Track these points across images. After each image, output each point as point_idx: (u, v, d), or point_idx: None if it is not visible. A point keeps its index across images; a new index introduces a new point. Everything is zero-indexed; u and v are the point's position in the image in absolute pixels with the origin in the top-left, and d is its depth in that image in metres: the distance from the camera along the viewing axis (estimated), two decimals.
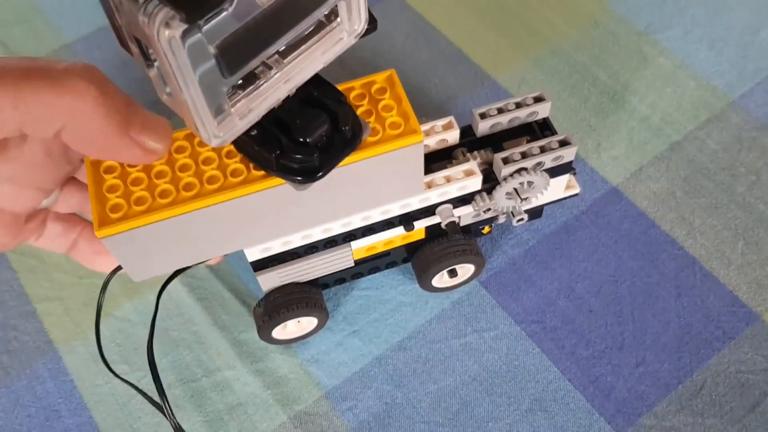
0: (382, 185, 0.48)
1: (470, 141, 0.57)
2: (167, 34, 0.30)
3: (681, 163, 0.67)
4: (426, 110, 0.71)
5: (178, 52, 0.31)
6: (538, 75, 0.74)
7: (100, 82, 0.37)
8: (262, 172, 0.43)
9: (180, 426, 0.50)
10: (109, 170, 0.44)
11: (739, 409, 0.55)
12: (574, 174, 0.59)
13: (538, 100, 0.56)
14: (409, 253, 0.59)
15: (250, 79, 0.38)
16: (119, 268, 0.52)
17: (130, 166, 0.44)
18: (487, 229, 0.61)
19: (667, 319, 0.59)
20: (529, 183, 0.54)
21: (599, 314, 0.60)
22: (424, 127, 0.55)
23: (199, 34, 0.32)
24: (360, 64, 0.75)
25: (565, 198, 0.60)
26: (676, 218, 0.64)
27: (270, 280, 0.54)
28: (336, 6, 0.38)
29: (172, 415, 0.50)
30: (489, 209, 0.56)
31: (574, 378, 0.57)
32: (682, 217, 0.64)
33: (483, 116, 0.55)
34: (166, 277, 0.51)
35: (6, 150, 0.40)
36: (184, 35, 0.31)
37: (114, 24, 0.35)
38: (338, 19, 0.40)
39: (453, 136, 0.56)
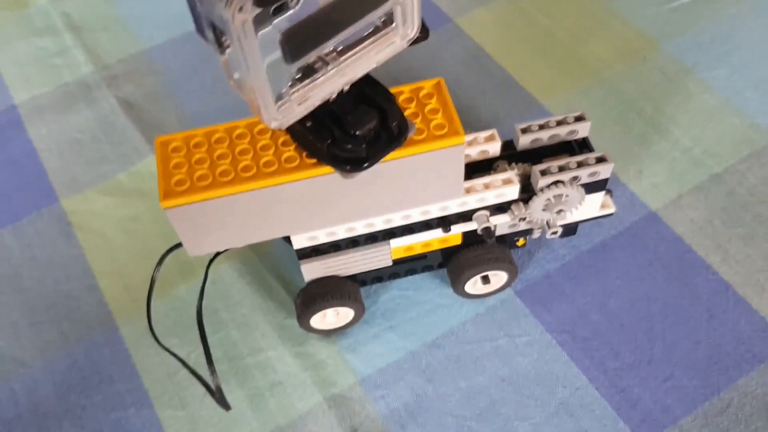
0: (424, 184, 0.51)
1: (510, 155, 0.60)
2: (241, 18, 0.35)
3: (720, 194, 0.69)
4: (473, 129, 0.74)
5: (250, 35, 0.36)
6: (584, 104, 0.77)
7: None
8: (313, 161, 0.47)
9: (220, 387, 0.54)
10: (176, 150, 0.48)
11: (765, 429, 0.56)
12: (611, 195, 0.61)
13: (578, 119, 0.59)
14: (445, 258, 0.62)
15: (309, 72, 0.42)
16: (175, 246, 0.56)
17: (195, 146, 0.48)
18: (521, 241, 0.64)
19: (697, 338, 0.61)
20: (565, 196, 0.57)
21: (630, 329, 0.61)
22: (467, 137, 0.58)
23: (269, 22, 0.37)
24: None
25: (599, 217, 0.62)
26: (713, 245, 0.66)
27: (313, 269, 0.58)
28: (392, 12, 0.43)
29: (214, 373, 0.53)
30: (524, 219, 0.59)
31: (601, 387, 0.59)
32: (718, 245, 0.66)
33: (524, 131, 0.59)
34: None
35: None
36: (257, 21, 0.36)
37: (194, 12, 0.39)
38: (393, 24, 0.44)
39: (494, 148, 0.59)
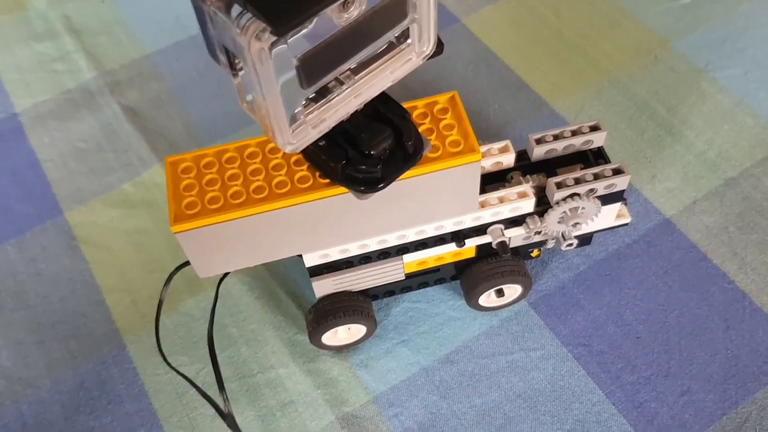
0: (439, 201, 0.50)
1: (524, 165, 0.58)
2: (257, 46, 0.34)
3: (735, 199, 0.68)
4: (484, 134, 0.74)
5: (266, 62, 0.35)
6: (596, 105, 0.76)
7: None
8: (327, 181, 0.46)
9: (233, 415, 0.53)
10: (187, 171, 0.47)
11: None
12: (626, 204, 0.60)
13: (594, 129, 0.57)
14: (458, 270, 0.61)
15: (324, 92, 0.41)
16: (184, 264, 0.55)
17: (206, 167, 0.47)
18: (536, 252, 0.63)
19: (714, 350, 0.60)
20: (581, 209, 0.56)
21: (646, 341, 0.60)
22: (481, 148, 0.57)
23: (285, 46, 0.35)
24: (422, 87, 0.77)
25: (615, 227, 0.61)
26: (728, 253, 0.65)
27: (324, 286, 0.57)
28: (407, 28, 0.41)
29: (227, 401, 0.52)
30: (539, 232, 0.57)
31: (618, 402, 0.58)
32: (734, 252, 0.65)
33: (539, 142, 0.57)
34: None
35: None
36: (272, 47, 0.34)
37: (206, 33, 0.38)
38: (408, 41, 0.43)
39: (508, 160, 0.58)
